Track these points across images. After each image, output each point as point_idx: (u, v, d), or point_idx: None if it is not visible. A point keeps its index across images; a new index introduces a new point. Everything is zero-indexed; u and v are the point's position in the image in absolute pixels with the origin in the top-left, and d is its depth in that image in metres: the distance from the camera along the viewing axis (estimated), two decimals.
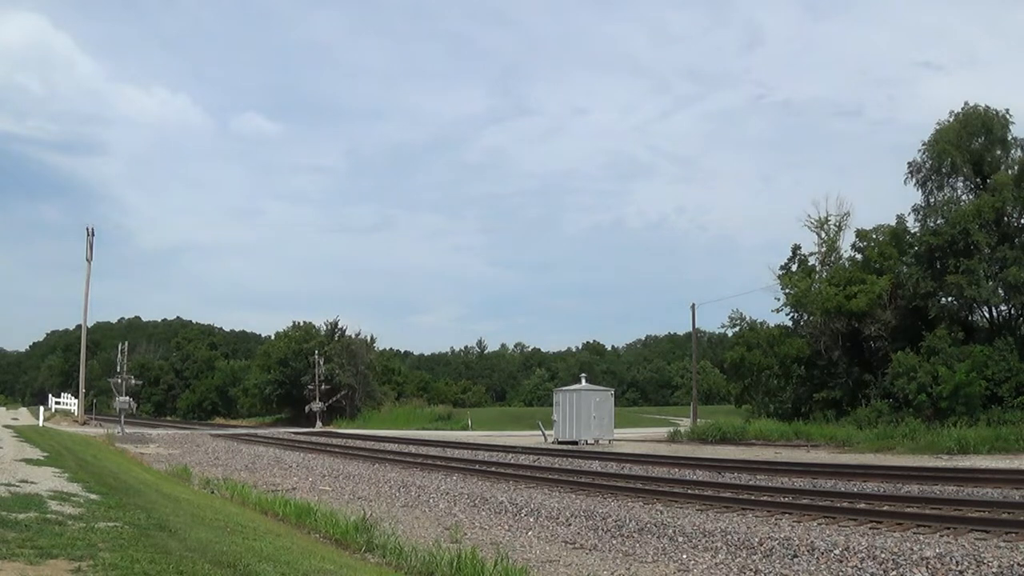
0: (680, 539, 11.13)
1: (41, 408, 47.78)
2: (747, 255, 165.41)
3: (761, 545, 10.38)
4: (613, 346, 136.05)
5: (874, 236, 39.00)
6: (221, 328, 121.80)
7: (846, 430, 30.98)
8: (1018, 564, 8.72)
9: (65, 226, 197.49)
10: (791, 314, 40.61)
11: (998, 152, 36.64)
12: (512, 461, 25.22)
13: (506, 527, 12.81)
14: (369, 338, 72.45)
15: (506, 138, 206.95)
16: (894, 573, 8.79)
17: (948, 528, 10.99)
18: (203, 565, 5.93)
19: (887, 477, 17.73)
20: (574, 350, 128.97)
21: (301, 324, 73.66)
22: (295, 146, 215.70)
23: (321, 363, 61.71)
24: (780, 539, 10.58)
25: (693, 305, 47.61)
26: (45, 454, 17.66)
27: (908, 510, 12.70)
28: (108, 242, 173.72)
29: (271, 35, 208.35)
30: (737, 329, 44.70)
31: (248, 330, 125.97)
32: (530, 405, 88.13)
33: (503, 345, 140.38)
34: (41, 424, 38.57)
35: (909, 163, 38.09)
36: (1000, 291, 34.08)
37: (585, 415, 33.93)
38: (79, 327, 63.43)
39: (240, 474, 20.64)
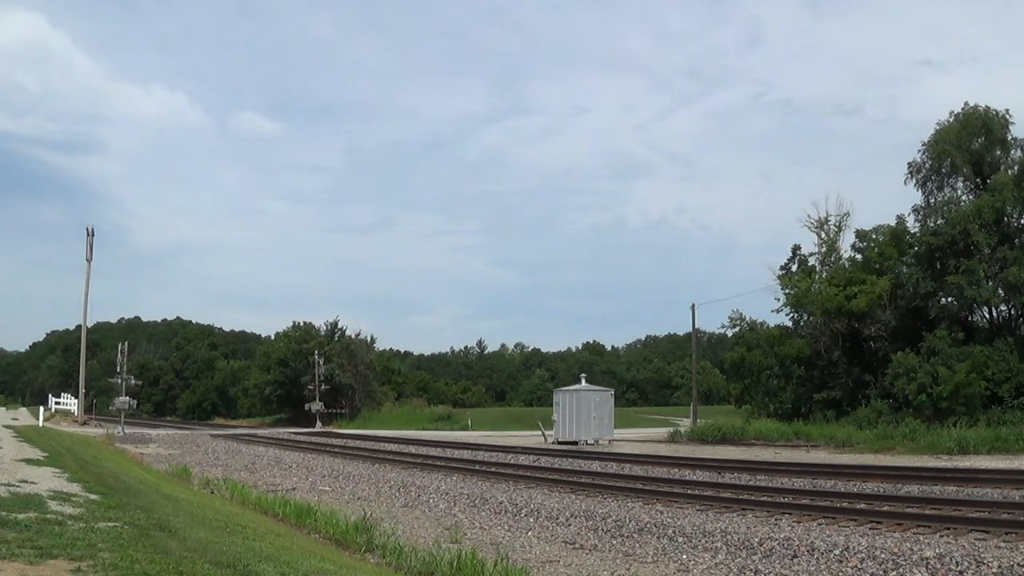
0: (680, 539, 11.13)
1: (41, 408, 47.84)
2: (747, 255, 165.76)
3: (761, 545, 10.38)
4: (613, 346, 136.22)
5: (874, 236, 38.99)
6: (221, 328, 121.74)
7: (846, 430, 30.97)
8: (1018, 564, 8.72)
9: (65, 226, 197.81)
10: (791, 314, 40.62)
11: (998, 152, 36.68)
12: (512, 461, 25.22)
13: (506, 527, 12.80)
14: (369, 338, 72.70)
15: (506, 137, 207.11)
16: (894, 573, 8.78)
17: (948, 528, 10.99)
18: (203, 565, 5.92)
19: (887, 477, 17.73)
20: (574, 350, 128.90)
21: (301, 324, 73.81)
22: (294, 145, 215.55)
23: (321, 363, 61.71)
24: (780, 539, 10.58)
25: (693, 305, 47.74)
26: (45, 454, 17.65)
27: (908, 510, 12.68)
28: (108, 242, 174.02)
29: (269, 33, 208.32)
30: (737, 329, 44.68)
31: (248, 330, 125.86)
32: (530, 405, 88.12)
33: (503, 345, 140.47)
34: (41, 424, 38.60)
35: (909, 163, 38.22)
36: (1000, 291, 34.08)
37: (585, 415, 33.92)
38: (79, 327, 63.41)
39: (240, 474, 20.63)
